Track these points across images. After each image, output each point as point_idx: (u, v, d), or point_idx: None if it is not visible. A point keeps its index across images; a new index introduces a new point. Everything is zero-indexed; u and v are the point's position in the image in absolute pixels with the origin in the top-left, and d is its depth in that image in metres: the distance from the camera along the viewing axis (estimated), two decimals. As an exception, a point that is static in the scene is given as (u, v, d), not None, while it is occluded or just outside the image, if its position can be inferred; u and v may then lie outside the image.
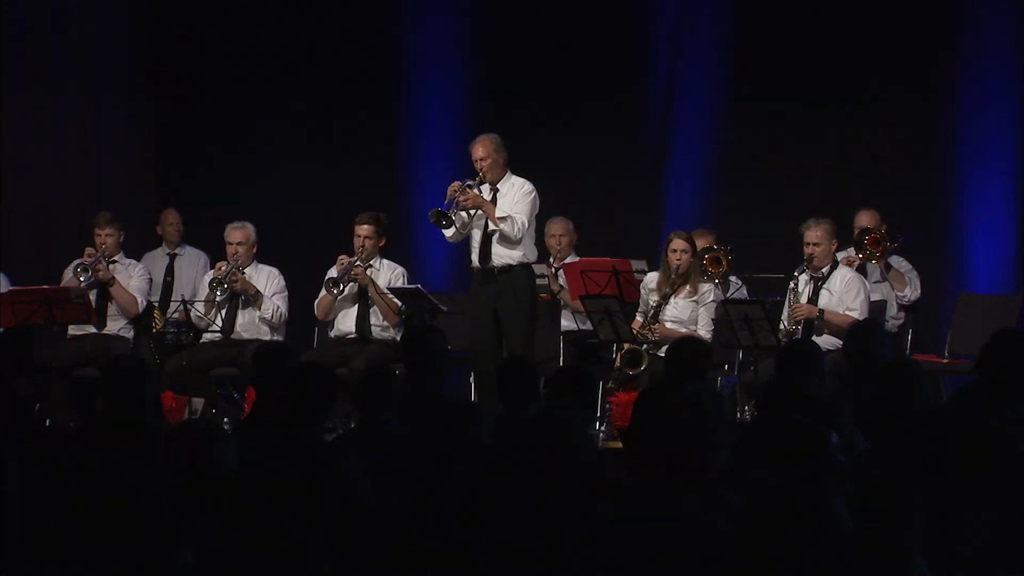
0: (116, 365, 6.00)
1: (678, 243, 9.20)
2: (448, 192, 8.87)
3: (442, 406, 5.64)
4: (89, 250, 9.55)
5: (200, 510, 4.02)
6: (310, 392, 5.62)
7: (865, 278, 9.38)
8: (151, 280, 9.92)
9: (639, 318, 9.23)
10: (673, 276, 9.18)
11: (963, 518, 4.31)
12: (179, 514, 4.00)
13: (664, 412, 4.22)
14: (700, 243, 9.41)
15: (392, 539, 4.10)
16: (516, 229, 8.82)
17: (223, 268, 9.55)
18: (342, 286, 9.43)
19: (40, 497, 4.02)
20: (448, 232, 8.94)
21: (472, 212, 8.90)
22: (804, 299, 9.10)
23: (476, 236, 8.95)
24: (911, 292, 9.76)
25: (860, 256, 9.46)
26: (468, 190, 8.84)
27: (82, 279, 9.39)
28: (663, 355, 8.22)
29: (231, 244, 9.63)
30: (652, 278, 9.33)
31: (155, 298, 10.22)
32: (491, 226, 8.86)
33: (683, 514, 4.01)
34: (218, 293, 9.48)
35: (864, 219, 9.76)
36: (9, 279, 9.64)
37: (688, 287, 9.19)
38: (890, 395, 5.52)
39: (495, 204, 8.87)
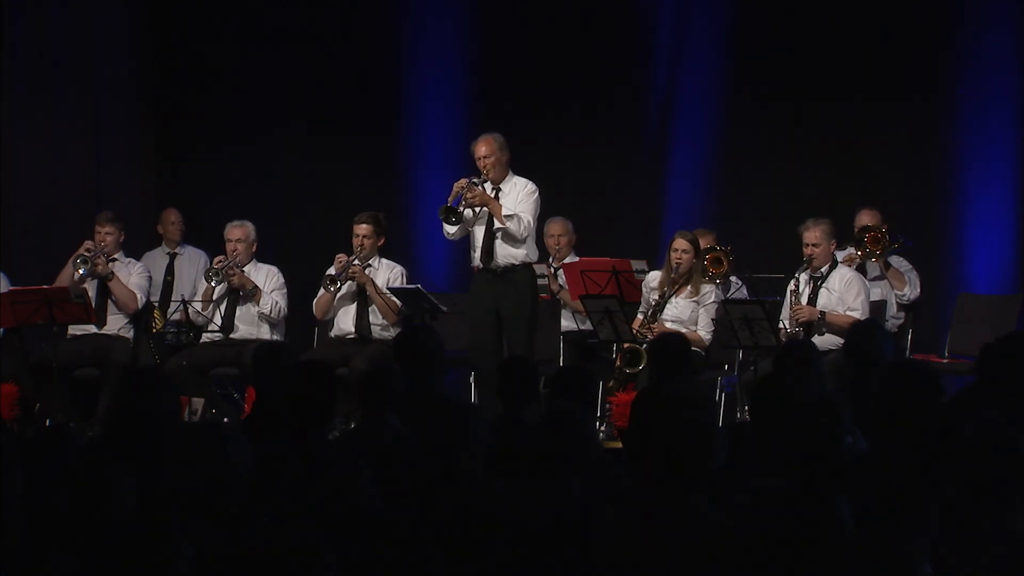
0: (132, 374, 5.95)
1: (680, 243, 9.20)
2: (455, 188, 8.86)
3: (439, 406, 5.64)
4: (87, 243, 9.55)
5: (206, 510, 4.02)
6: (312, 391, 5.62)
7: (864, 276, 9.39)
8: (151, 279, 9.92)
9: (640, 317, 9.24)
10: (673, 276, 9.19)
11: (964, 519, 4.31)
12: (184, 514, 4.00)
13: (655, 412, 4.23)
14: (701, 243, 9.41)
15: (395, 539, 4.10)
16: (522, 228, 8.83)
17: (221, 261, 9.57)
18: (340, 284, 9.44)
19: (43, 498, 4.02)
20: (451, 229, 8.94)
21: (477, 210, 8.90)
22: (804, 299, 9.11)
23: (478, 235, 8.95)
24: (910, 291, 9.78)
25: (860, 253, 9.47)
26: (475, 187, 8.84)
27: (82, 271, 9.39)
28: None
29: (230, 241, 9.64)
30: (654, 276, 9.34)
31: (155, 298, 10.23)
32: (495, 224, 8.87)
33: (683, 513, 4.01)
34: (213, 283, 9.49)
35: (865, 218, 9.77)
36: (9, 279, 9.64)
37: (690, 287, 9.20)
38: (892, 395, 5.52)
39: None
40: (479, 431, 4.98)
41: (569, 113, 11.49)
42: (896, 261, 9.81)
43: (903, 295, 9.73)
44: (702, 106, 11.37)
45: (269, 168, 11.80)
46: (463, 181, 8.88)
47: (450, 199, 8.88)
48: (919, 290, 9.85)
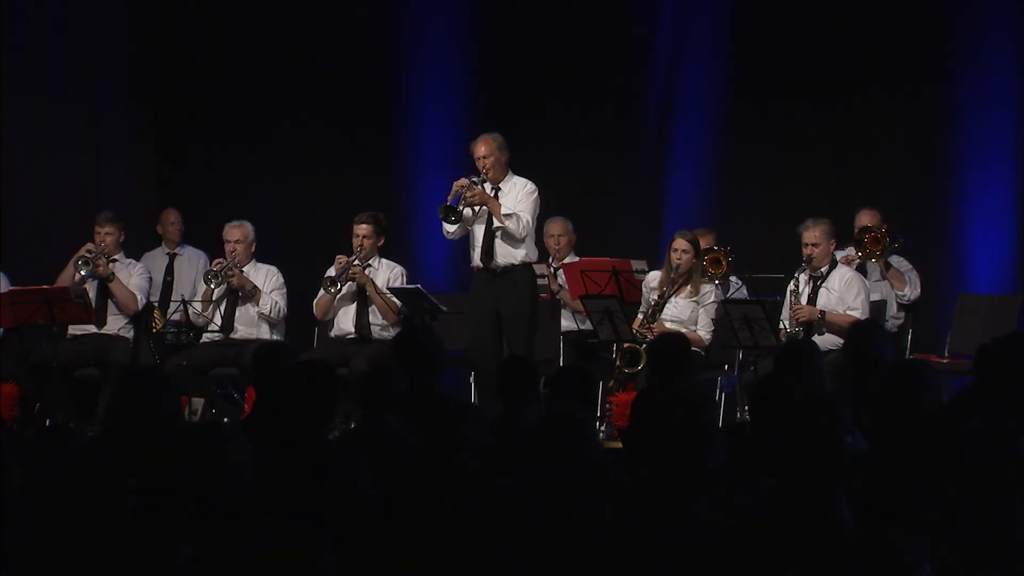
0: (132, 375, 5.95)
1: (680, 243, 9.20)
2: (454, 188, 8.87)
3: (439, 405, 5.64)
4: (89, 245, 9.57)
5: (206, 510, 4.02)
6: (314, 391, 5.61)
7: (865, 277, 9.39)
8: (151, 279, 9.93)
9: (640, 317, 9.24)
10: (673, 275, 9.19)
11: (964, 519, 4.31)
12: (183, 514, 4.00)
13: (655, 412, 4.23)
14: (701, 243, 9.41)
15: (395, 538, 4.10)
16: (521, 227, 8.83)
17: (220, 263, 9.57)
18: (340, 285, 9.44)
19: (43, 497, 4.02)
20: (451, 228, 8.94)
21: (476, 209, 8.91)
22: (804, 299, 9.11)
23: (478, 235, 8.95)
24: (911, 291, 9.77)
25: (860, 254, 9.47)
26: (475, 186, 8.85)
27: (83, 272, 9.40)
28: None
29: (229, 242, 9.65)
30: (654, 276, 9.34)
31: (155, 298, 10.23)
32: (494, 223, 8.87)
33: (683, 514, 4.01)
34: (213, 285, 9.49)
35: (865, 218, 9.77)
36: (9, 279, 9.64)
37: (689, 287, 9.20)
38: (892, 395, 5.53)
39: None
40: (479, 431, 4.99)
41: (569, 113, 11.48)
42: (896, 261, 9.81)
43: (903, 295, 9.72)
44: (702, 106, 11.37)
45: (269, 168, 11.79)
46: (463, 180, 8.89)
47: (450, 198, 8.88)
48: (919, 290, 9.84)
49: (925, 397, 5.56)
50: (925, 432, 4.96)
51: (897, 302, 9.69)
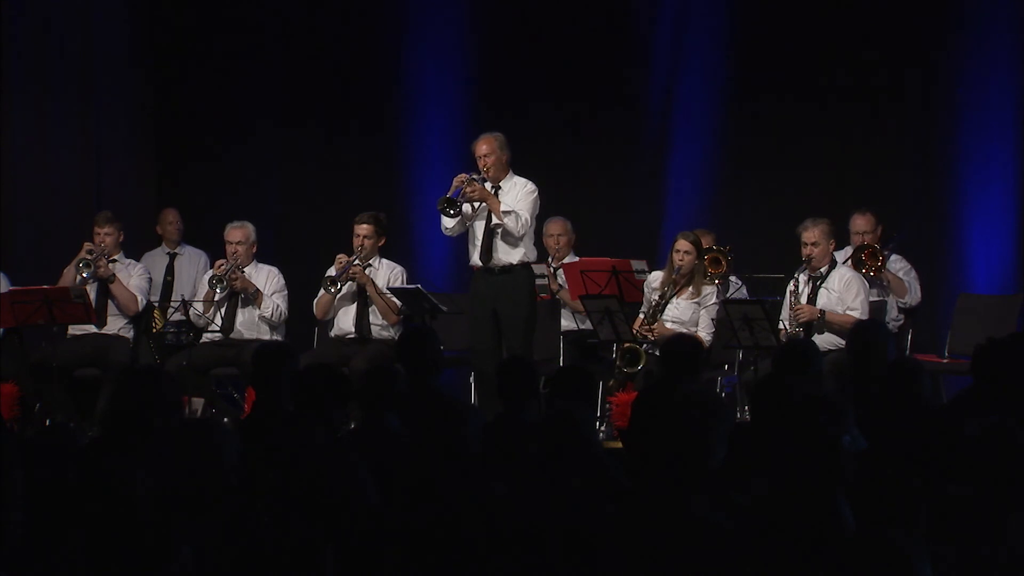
0: (130, 371, 5.95)
1: (682, 244, 9.20)
2: (454, 182, 8.88)
3: (437, 404, 5.65)
4: (88, 245, 9.56)
5: (202, 509, 4.02)
6: (326, 393, 5.61)
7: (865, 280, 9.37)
8: (151, 280, 9.92)
9: (641, 316, 9.24)
10: (675, 276, 9.19)
11: (965, 519, 4.32)
12: (180, 513, 4.00)
13: (665, 412, 4.23)
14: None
15: (394, 537, 4.11)
16: (520, 225, 8.83)
17: (223, 266, 9.57)
18: (340, 285, 9.44)
19: (43, 497, 4.02)
20: (449, 223, 8.94)
21: (476, 205, 8.92)
22: (804, 299, 9.11)
23: (478, 233, 8.96)
24: (911, 298, 9.67)
25: (861, 272, 9.38)
26: (475, 182, 8.86)
27: (84, 274, 9.40)
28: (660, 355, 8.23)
29: (231, 243, 9.64)
30: (656, 277, 9.33)
31: (155, 298, 10.23)
32: (493, 221, 8.88)
33: (683, 514, 4.01)
34: (217, 290, 9.49)
35: (859, 222, 9.70)
36: (9, 279, 9.64)
37: (691, 288, 9.20)
38: (891, 395, 5.53)
39: (496, 202, 8.90)
40: (478, 430, 4.99)
41: (569, 113, 11.48)
42: (894, 263, 9.75)
43: (905, 302, 9.66)
44: (702, 106, 11.37)
45: (269, 168, 11.80)
46: (463, 176, 8.89)
47: (450, 192, 8.89)
48: (919, 295, 9.75)
49: (922, 393, 5.58)
50: (924, 432, 4.97)
51: (899, 306, 9.66)
